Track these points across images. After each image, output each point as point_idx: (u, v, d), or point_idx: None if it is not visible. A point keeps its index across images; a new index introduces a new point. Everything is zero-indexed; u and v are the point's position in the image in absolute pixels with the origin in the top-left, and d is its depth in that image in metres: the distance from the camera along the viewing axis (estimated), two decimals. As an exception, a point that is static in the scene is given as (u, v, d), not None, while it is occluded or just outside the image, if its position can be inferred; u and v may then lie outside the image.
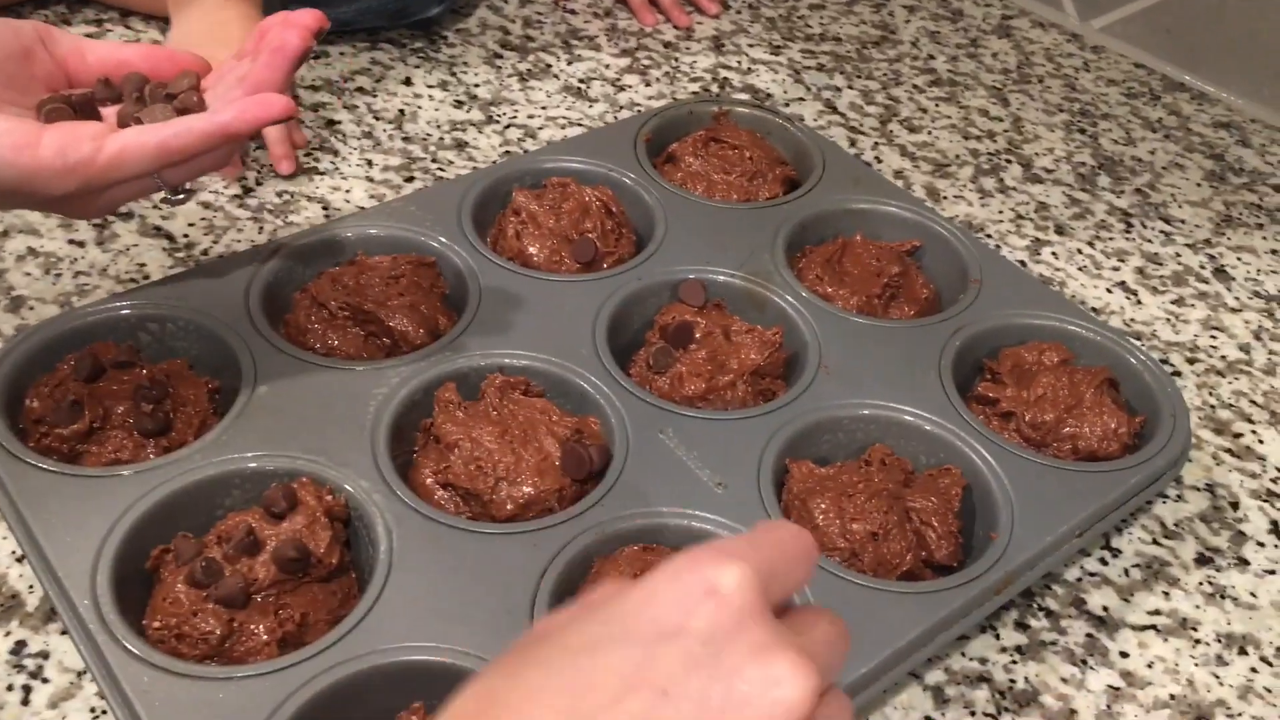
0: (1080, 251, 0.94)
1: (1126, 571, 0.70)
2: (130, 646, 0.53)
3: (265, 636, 0.56)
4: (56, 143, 0.55)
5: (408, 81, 1.02)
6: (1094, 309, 0.88)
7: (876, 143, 1.03)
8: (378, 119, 0.97)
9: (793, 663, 0.33)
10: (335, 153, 0.93)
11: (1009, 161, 1.03)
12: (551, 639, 0.35)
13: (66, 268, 0.79)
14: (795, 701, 0.33)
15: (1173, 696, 0.64)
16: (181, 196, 0.62)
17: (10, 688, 0.57)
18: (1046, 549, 0.65)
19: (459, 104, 1.00)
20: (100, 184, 0.56)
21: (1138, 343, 0.82)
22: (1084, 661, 0.65)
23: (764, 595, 0.35)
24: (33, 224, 0.82)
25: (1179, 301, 0.90)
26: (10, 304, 0.75)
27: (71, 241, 0.81)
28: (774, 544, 0.37)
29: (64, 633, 0.58)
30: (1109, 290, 0.90)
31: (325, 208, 0.87)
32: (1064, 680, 0.64)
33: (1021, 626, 0.66)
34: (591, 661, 0.34)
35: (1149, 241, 0.95)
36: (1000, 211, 0.97)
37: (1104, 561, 0.71)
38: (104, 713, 0.56)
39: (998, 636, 0.66)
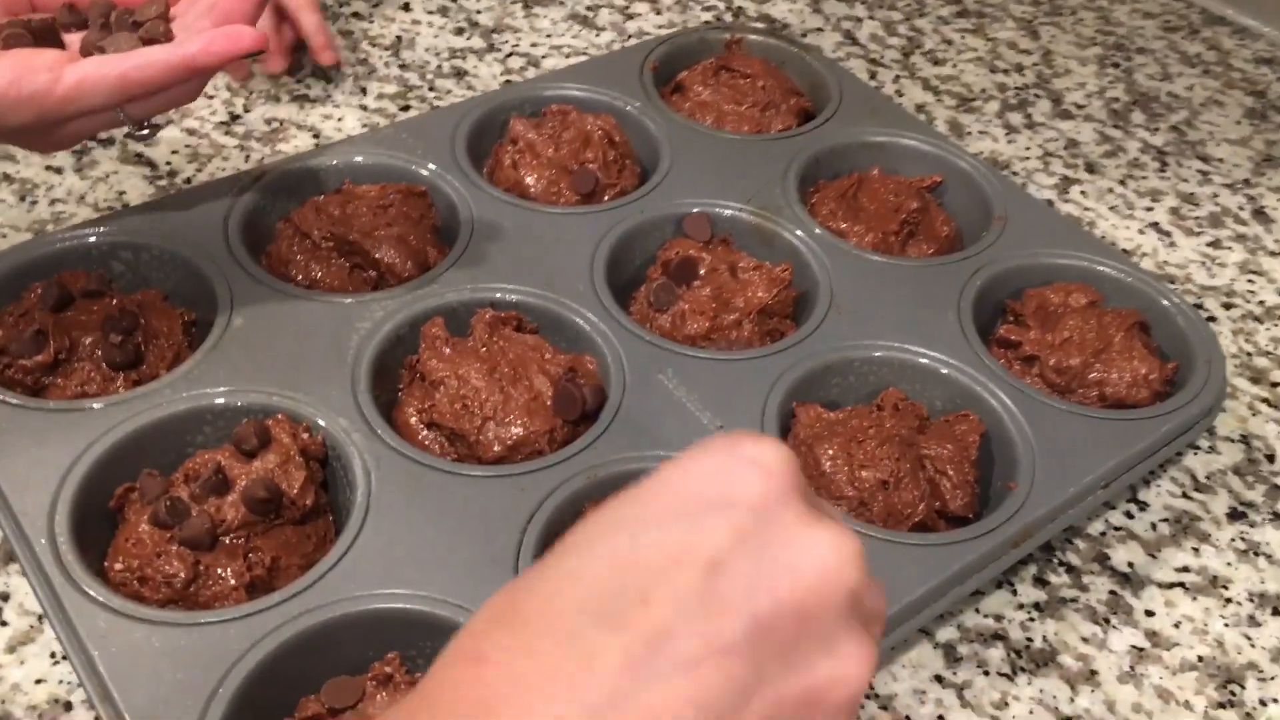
0: (1111, 191, 0.89)
1: (1154, 526, 0.66)
2: (88, 589, 0.50)
3: (233, 581, 0.53)
4: (10, 72, 0.51)
5: (406, 7, 0.97)
6: (1125, 250, 0.83)
7: (898, 75, 0.98)
8: (374, 45, 0.92)
9: (839, 531, 0.33)
10: (328, 79, 0.88)
11: (1038, 96, 0.97)
12: (585, 530, 0.33)
13: (43, 195, 0.76)
14: (845, 566, 0.32)
15: (1200, 658, 0.60)
16: (146, 131, 0.58)
17: (-34, 631, 0.54)
18: (1068, 501, 0.61)
19: (459, 31, 0.95)
20: (57, 116, 0.53)
21: (1171, 286, 0.77)
22: (1106, 620, 0.61)
23: (801, 474, 0.34)
24: (8, 150, 0.78)
25: (1215, 244, 0.85)
26: (-19, 232, 0.72)
27: (49, 168, 0.77)
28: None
29: (23, 574, 0.55)
30: (1141, 231, 0.85)
31: (316, 136, 0.83)
32: (1084, 640, 0.60)
33: (1040, 582, 0.63)
34: (633, 540, 0.32)
35: (1185, 181, 0.90)
36: (1027, 148, 0.92)
37: (1130, 515, 0.67)
38: (64, 658, 0.53)
39: (1015, 592, 0.62)
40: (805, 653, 0.32)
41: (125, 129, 0.56)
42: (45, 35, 0.55)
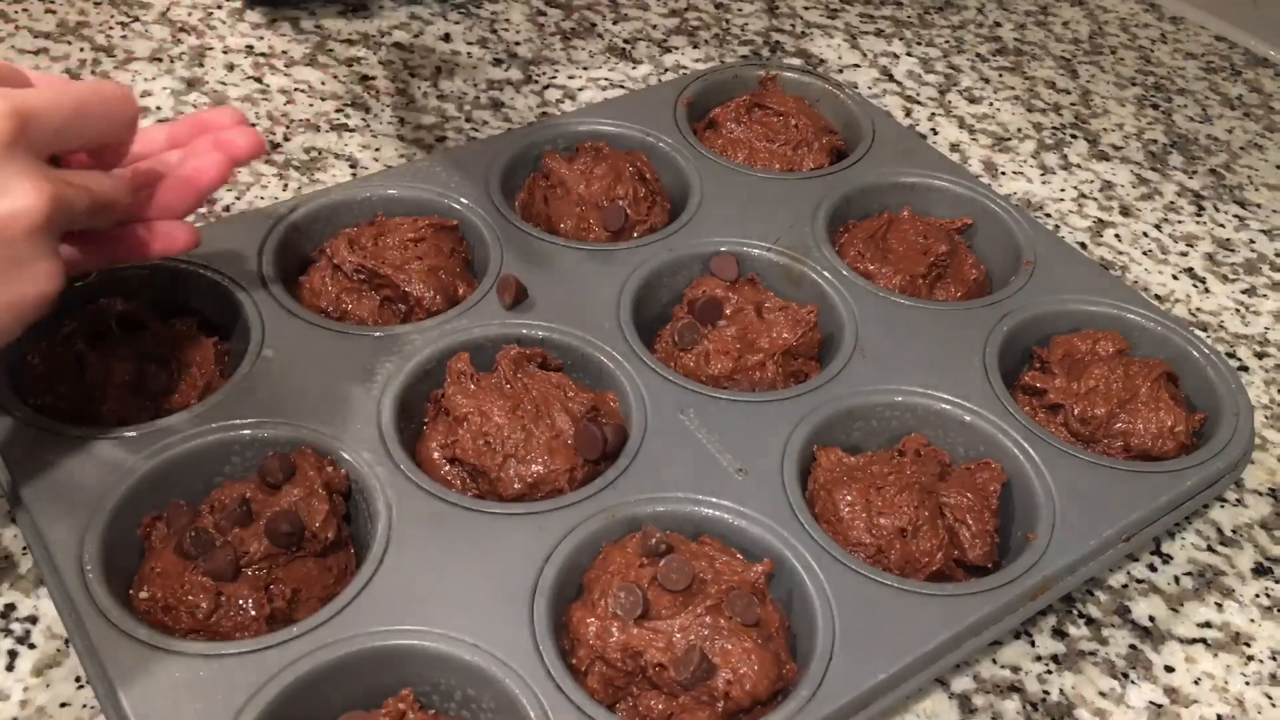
0: (1146, 235, 0.88)
1: (1176, 579, 0.66)
2: (112, 619, 0.51)
3: (253, 611, 0.54)
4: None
5: (446, 38, 0.99)
6: (1157, 296, 0.83)
7: (934, 113, 0.98)
8: (413, 75, 0.94)
9: (24, 186, 0.46)
10: (367, 109, 0.90)
11: (1074, 136, 0.97)
12: None
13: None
14: (26, 210, 0.46)
15: (1220, 717, 0.59)
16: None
17: (-5, 652, 0.55)
18: (1089, 554, 0.60)
19: (498, 62, 0.97)
20: None
21: (1202, 334, 0.76)
22: (1125, 675, 0.61)
23: (19, 136, 0.46)
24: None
25: (1250, 291, 0.84)
26: (26, 256, 0.73)
27: (93, 194, 0.79)
28: (79, 96, 0.50)
29: (53, 597, 0.56)
30: (1175, 277, 0.85)
31: (353, 166, 0.85)
32: (1102, 694, 0.60)
33: (1059, 634, 0.62)
34: None
35: (1221, 226, 0.89)
36: (1062, 190, 0.91)
37: (1152, 568, 0.66)
38: (89, 682, 0.54)
39: (1033, 644, 0.62)
40: None
41: None
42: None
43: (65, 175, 0.50)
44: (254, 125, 0.86)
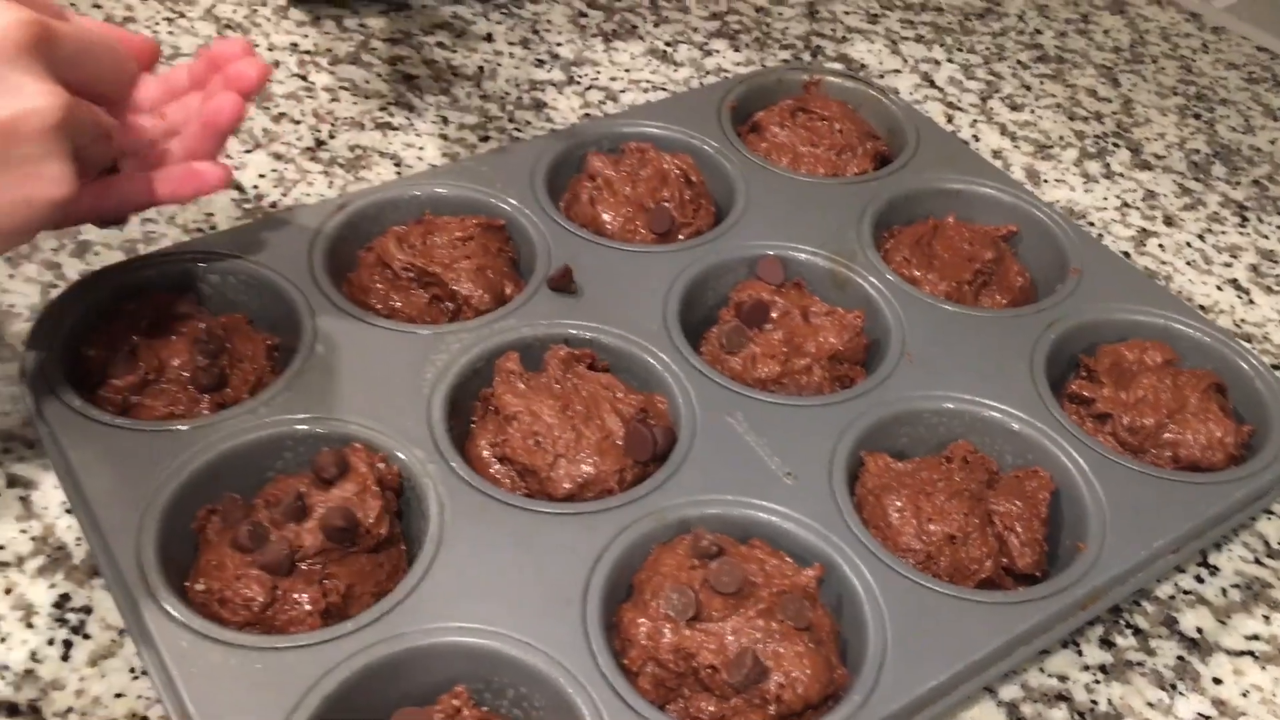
0: (1189, 245, 0.88)
1: (1224, 591, 0.65)
2: (170, 609, 0.52)
3: (308, 606, 0.54)
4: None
5: (489, 38, 0.99)
6: (1201, 307, 0.82)
7: (975, 120, 0.97)
8: (456, 75, 0.94)
9: (39, 88, 0.49)
10: (410, 108, 0.90)
11: (1117, 146, 0.97)
12: None
13: (134, 215, 0.78)
14: (10, 27, 0.48)
15: (1269, 730, 0.59)
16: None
17: (51, 642, 0.56)
18: (1139, 564, 0.60)
19: (540, 63, 0.97)
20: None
21: (1248, 345, 0.76)
22: (1173, 686, 0.61)
23: (40, 45, 0.49)
24: (104, 168, 0.81)
25: (1295, 303, 0.84)
26: (77, 249, 0.74)
27: (141, 188, 0.80)
28: (101, 35, 0.54)
29: (108, 588, 0.56)
30: (1219, 288, 0.84)
31: (397, 164, 0.85)
32: (1150, 705, 0.60)
33: (1106, 644, 0.62)
34: None
35: (1265, 237, 0.89)
36: (1104, 198, 0.91)
37: (1200, 579, 0.66)
38: (143, 673, 0.55)
39: (1080, 653, 0.62)
40: None
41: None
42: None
43: (74, 96, 0.52)
44: (299, 123, 0.87)
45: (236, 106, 0.60)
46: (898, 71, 1.02)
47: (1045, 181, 0.92)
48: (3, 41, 0.48)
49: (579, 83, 0.95)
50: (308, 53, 0.94)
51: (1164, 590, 0.65)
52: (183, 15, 0.96)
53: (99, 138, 0.54)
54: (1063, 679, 0.60)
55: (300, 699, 0.49)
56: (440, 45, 0.97)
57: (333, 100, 0.90)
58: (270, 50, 0.94)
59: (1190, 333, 0.72)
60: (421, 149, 0.87)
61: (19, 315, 0.69)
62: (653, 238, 0.75)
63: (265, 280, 0.67)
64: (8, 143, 0.48)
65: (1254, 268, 0.86)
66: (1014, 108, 0.99)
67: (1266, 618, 0.64)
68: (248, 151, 0.83)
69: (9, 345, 0.67)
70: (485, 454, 0.62)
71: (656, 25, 1.03)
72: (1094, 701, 0.59)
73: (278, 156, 0.84)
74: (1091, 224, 0.88)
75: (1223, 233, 0.89)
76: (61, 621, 0.56)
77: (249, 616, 0.53)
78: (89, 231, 0.75)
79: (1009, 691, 0.59)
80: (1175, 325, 0.73)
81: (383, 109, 0.90)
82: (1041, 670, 0.60)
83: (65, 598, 0.57)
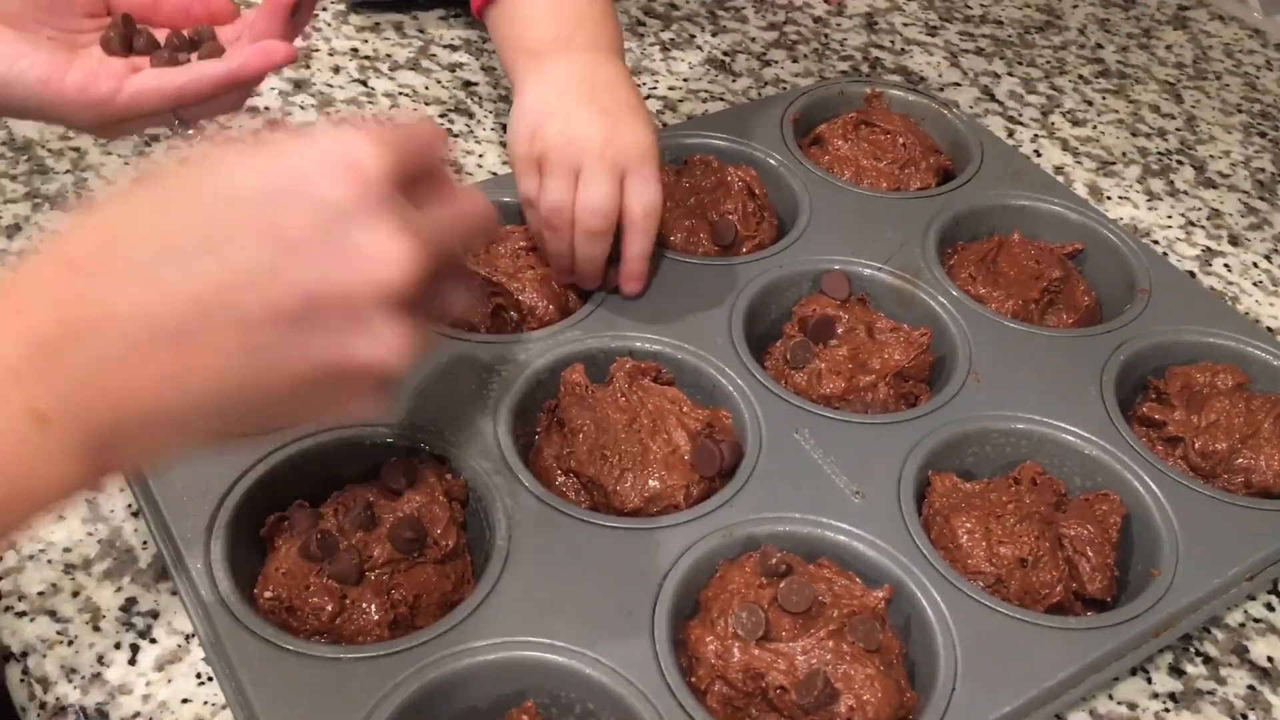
0: (1256, 265, 0.86)
1: (1295, 621, 0.64)
2: (240, 616, 0.52)
3: (376, 616, 0.54)
4: (80, 79, 0.56)
5: (548, 46, 0.99)
6: (1269, 329, 0.81)
7: (1036, 135, 0.96)
8: (515, 83, 0.94)
9: (399, 238, 0.38)
10: (470, 115, 0.90)
11: (1180, 163, 0.95)
12: (180, 181, 0.39)
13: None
14: (394, 266, 0.38)
15: (1344, 765, 0.58)
16: (191, 132, 0.63)
17: (118, 645, 0.56)
18: (1213, 592, 0.59)
19: (599, 71, 0.96)
20: (115, 119, 0.58)
21: (1320, 370, 0.75)
22: (1244, 716, 0.60)
23: (393, 178, 0.39)
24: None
25: (1365, 327, 0.82)
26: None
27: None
28: (405, 131, 0.41)
29: (174, 593, 0.57)
30: (1287, 309, 0.83)
31: (457, 171, 0.85)
32: (1221, 735, 0.59)
33: (1176, 672, 0.61)
34: (227, 204, 0.38)
35: (1333, 259, 0.88)
36: (1169, 216, 0.90)
37: (1270, 607, 0.65)
38: (209, 679, 0.55)
39: (1149, 680, 0.60)
40: (345, 331, 0.38)
41: (174, 128, 0.61)
42: (126, 46, 0.60)
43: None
44: (362, 128, 0.87)
45: None
46: (957, 85, 1.01)
47: (1108, 199, 0.91)
48: (383, 287, 0.38)
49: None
50: (368, 58, 0.94)
51: (1234, 618, 0.64)
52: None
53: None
54: (1132, 707, 0.59)
55: (369, 711, 0.49)
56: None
57: (393, 106, 0.90)
58: (331, 55, 0.94)
59: (1262, 356, 0.71)
60: (481, 155, 0.87)
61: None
62: (716, 250, 0.75)
63: (331, 287, 0.67)
64: (344, 380, 0.40)
65: (1322, 290, 0.85)
66: (1076, 123, 0.98)
67: (1340, 649, 0.63)
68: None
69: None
70: (551, 465, 0.62)
71: (715, 35, 1.03)
72: (1165, 731, 0.58)
73: (339, 162, 0.84)
74: (1155, 242, 0.87)
75: (1290, 253, 0.88)
76: (129, 625, 0.57)
77: (317, 625, 0.53)
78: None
79: (1077, 718, 0.58)
80: (1247, 348, 0.71)
81: (442, 115, 0.90)
82: (1110, 697, 0.59)
83: (132, 601, 0.58)
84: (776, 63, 1.01)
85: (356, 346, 0.38)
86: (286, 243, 0.37)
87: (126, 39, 0.60)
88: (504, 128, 0.89)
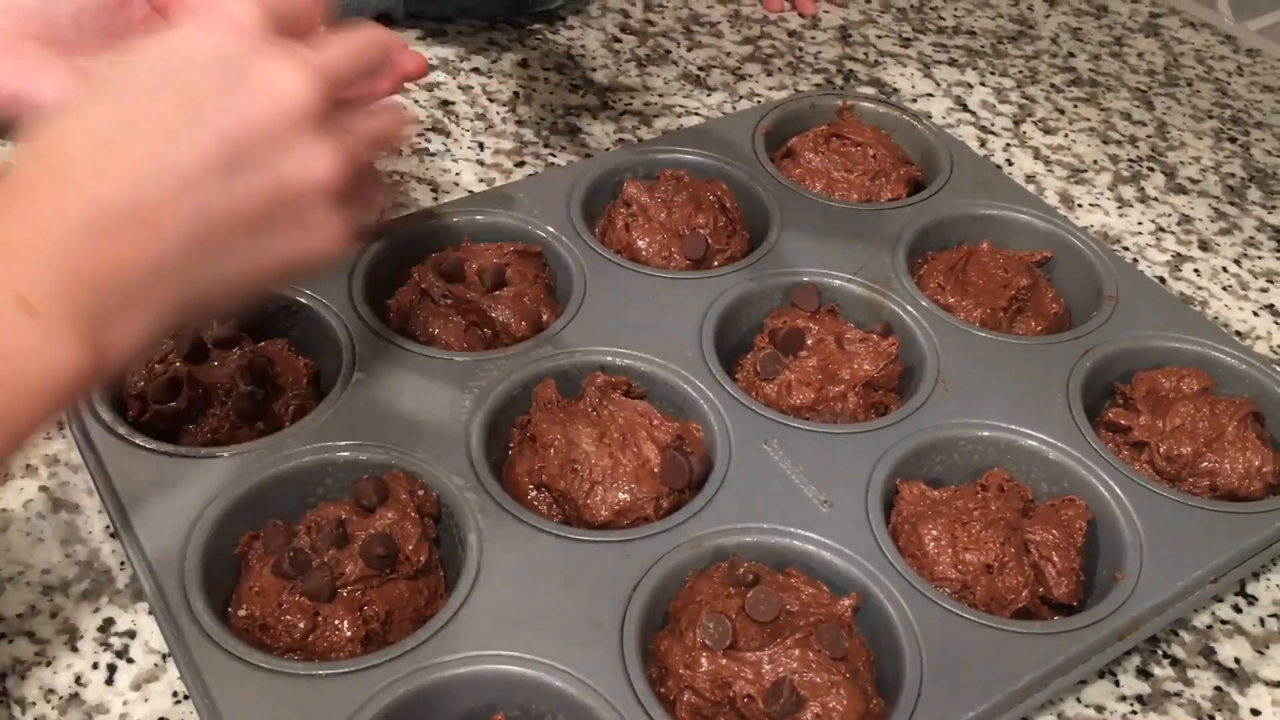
0: (1225, 270, 0.87)
1: (1262, 621, 0.65)
2: (213, 635, 0.53)
3: (349, 632, 0.54)
4: None
5: (524, 64, 1.00)
6: (1237, 333, 0.82)
7: (1008, 144, 0.97)
8: (491, 100, 0.95)
9: (292, 64, 0.44)
10: (447, 134, 0.91)
11: (1151, 169, 0.97)
12: (94, 88, 0.44)
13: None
14: (298, 90, 0.43)
15: (1310, 764, 0.59)
16: None
17: (96, 666, 0.56)
18: (1177, 595, 0.60)
19: (574, 88, 0.98)
20: None
21: (1287, 373, 0.76)
22: (1211, 717, 0.60)
23: (270, 23, 0.44)
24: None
25: (1333, 329, 0.83)
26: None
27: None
28: (353, 58, 0.47)
29: (151, 612, 0.57)
30: (1255, 313, 0.84)
31: (434, 189, 0.86)
32: (1188, 737, 0.59)
33: (1144, 674, 0.62)
34: (139, 90, 0.43)
35: (1302, 262, 0.89)
36: (1139, 223, 0.91)
37: (1238, 609, 0.66)
38: (185, 697, 0.55)
39: (1117, 683, 0.61)
40: (273, 159, 0.43)
41: None
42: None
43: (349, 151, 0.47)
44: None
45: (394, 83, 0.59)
46: (930, 95, 1.02)
47: (1079, 206, 0.92)
48: (289, 109, 0.44)
49: (613, 108, 0.96)
50: (346, 79, 0.95)
51: (1201, 620, 0.65)
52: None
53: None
54: (1100, 709, 0.60)
55: (342, 726, 0.50)
56: (475, 71, 0.98)
57: (370, 126, 0.90)
58: (309, 77, 0.95)
59: (1227, 360, 0.72)
60: (458, 175, 0.87)
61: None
62: (687, 264, 0.76)
63: (306, 306, 0.68)
64: (289, 208, 0.45)
65: (1291, 293, 0.86)
66: (1047, 131, 0.99)
67: (1306, 649, 0.64)
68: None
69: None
70: (522, 480, 0.63)
71: (690, 50, 1.04)
72: (1132, 733, 0.59)
73: (317, 183, 0.85)
74: (1126, 249, 0.88)
75: (1259, 257, 0.89)
76: (106, 645, 0.57)
77: (290, 643, 0.54)
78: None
79: (1046, 722, 0.59)
80: (1212, 352, 0.72)
81: (420, 135, 0.91)
82: (1078, 700, 0.60)
83: (110, 621, 0.58)
84: (751, 77, 1.02)
85: (286, 167, 0.44)
86: (194, 101, 0.42)
87: None
88: (480, 146, 0.90)
